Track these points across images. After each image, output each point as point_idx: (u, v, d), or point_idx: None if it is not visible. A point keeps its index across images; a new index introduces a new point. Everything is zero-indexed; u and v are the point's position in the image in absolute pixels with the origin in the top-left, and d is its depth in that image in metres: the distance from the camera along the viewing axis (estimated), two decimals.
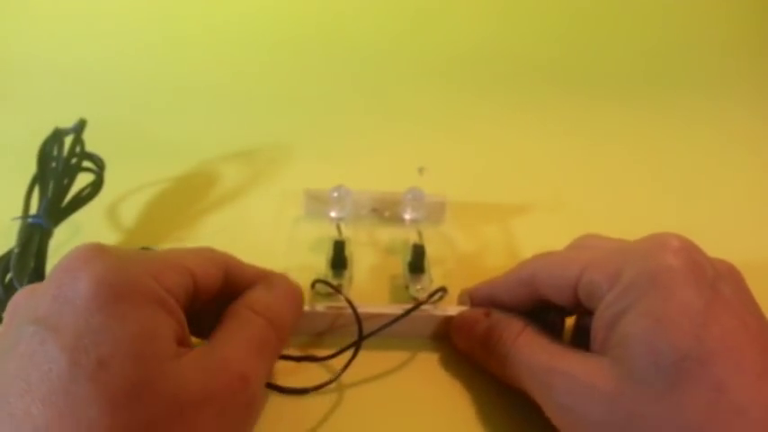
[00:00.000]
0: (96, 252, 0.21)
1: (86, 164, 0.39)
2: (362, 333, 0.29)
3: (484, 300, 0.30)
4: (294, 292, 0.28)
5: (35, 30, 0.58)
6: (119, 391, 0.18)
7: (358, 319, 0.29)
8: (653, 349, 0.21)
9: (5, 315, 0.21)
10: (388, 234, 0.39)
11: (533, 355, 0.25)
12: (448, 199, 0.39)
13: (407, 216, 0.37)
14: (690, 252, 0.22)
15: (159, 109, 0.54)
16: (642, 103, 0.60)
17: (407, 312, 0.29)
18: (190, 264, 0.23)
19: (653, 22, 0.68)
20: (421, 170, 0.36)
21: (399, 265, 0.34)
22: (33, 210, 0.36)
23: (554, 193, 0.45)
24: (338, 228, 0.35)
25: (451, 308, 0.31)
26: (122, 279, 0.20)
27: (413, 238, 0.35)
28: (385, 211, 0.39)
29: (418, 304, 0.30)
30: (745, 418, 0.19)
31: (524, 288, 0.28)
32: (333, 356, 0.28)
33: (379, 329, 0.29)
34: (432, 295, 0.31)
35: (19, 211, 0.36)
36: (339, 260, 0.32)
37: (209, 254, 0.26)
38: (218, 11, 0.62)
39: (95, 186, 0.39)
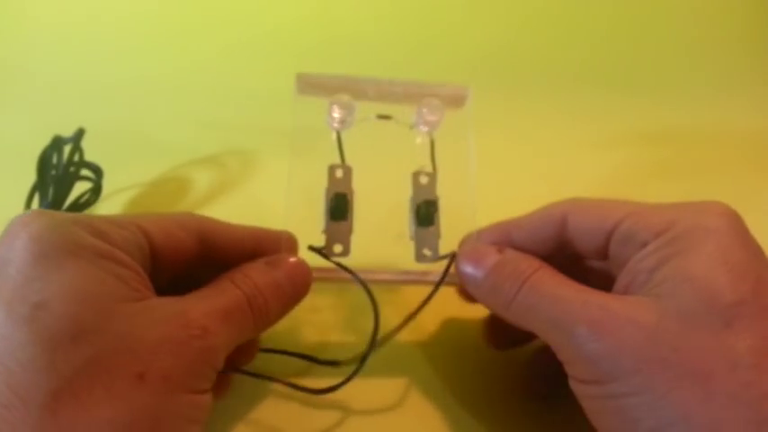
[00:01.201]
0: (33, 215, 0.21)
1: (84, 172, 0.39)
2: (376, 341, 0.26)
3: (498, 239, 0.27)
4: (295, 279, 0.26)
5: (31, 33, 0.61)
6: (59, 329, 0.18)
7: (376, 321, 0.26)
8: (712, 289, 0.20)
9: None
10: (394, 161, 0.30)
11: (556, 287, 0.23)
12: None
13: (427, 119, 0.30)
14: (739, 220, 0.23)
15: (157, 110, 0.54)
16: (643, 104, 0.58)
17: (424, 304, 0.27)
18: (142, 222, 0.23)
19: (650, 22, 0.66)
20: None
21: (405, 200, 0.30)
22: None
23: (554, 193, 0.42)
24: (338, 138, 0.29)
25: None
26: (59, 235, 0.20)
27: (424, 161, 0.30)
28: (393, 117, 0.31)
29: (435, 289, 0.27)
30: None
31: (552, 227, 0.26)
32: (339, 364, 0.27)
33: (394, 332, 0.27)
34: (446, 271, 0.27)
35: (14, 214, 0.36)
36: (338, 211, 0.28)
37: (176, 216, 0.25)
38: (220, 10, 0.64)
39: (94, 194, 0.39)
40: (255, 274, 0.24)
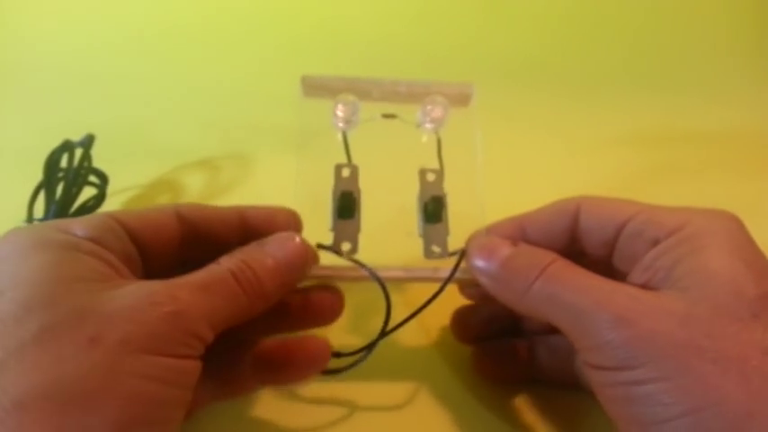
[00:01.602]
0: (9, 232, 0.23)
1: (90, 178, 0.39)
2: (386, 327, 0.26)
3: (511, 233, 0.27)
4: (285, 250, 0.25)
5: (37, 39, 0.61)
6: (9, 310, 0.19)
7: (388, 305, 0.26)
8: (736, 283, 0.21)
9: None
10: (401, 159, 0.30)
11: (577, 276, 0.23)
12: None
13: (431, 117, 0.30)
14: (744, 226, 0.24)
15: (159, 112, 0.54)
16: (644, 104, 0.58)
17: (433, 297, 0.27)
18: (114, 213, 0.24)
19: (650, 22, 0.67)
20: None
21: (413, 198, 0.30)
22: (37, 214, 0.37)
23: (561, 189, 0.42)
24: (344, 138, 0.30)
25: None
26: (28, 234, 0.22)
27: (430, 159, 0.30)
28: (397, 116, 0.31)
29: (444, 283, 0.27)
30: None
31: (566, 220, 0.26)
32: (341, 355, 0.27)
33: (404, 322, 0.27)
34: (456, 267, 0.27)
35: (20, 214, 0.37)
36: (346, 210, 0.28)
37: (151, 206, 0.26)
38: (227, 19, 0.64)
39: (97, 200, 0.39)
40: (242, 252, 0.24)
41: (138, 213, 0.24)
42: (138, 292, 0.20)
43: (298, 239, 0.25)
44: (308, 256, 0.26)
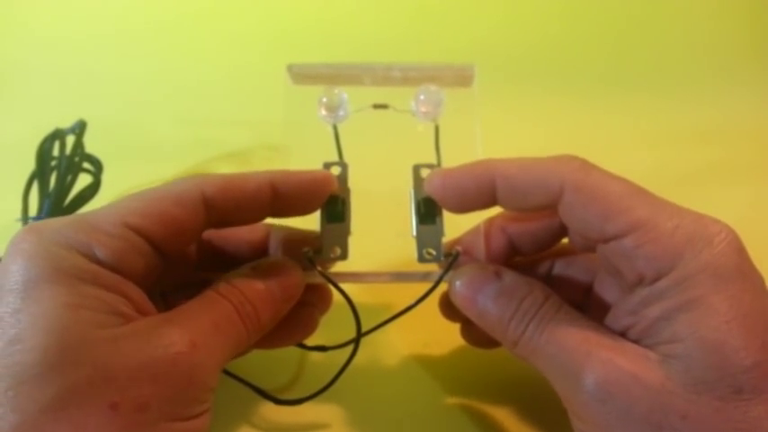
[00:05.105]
0: (26, 235, 0.21)
1: (84, 165, 0.38)
2: (361, 329, 0.26)
3: (496, 243, 0.27)
4: (282, 281, 0.25)
5: (32, 30, 0.60)
6: (29, 363, 0.18)
7: (356, 315, 0.26)
8: (724, 353, 0.20)
9: None
10: (396, 151, 0.29)
11: (562, 335, 0.23)
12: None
13: (421, 111, 0.28)
14: (741, 245, 0.21)
15: (157, 109, 0.53)
16: (643, 103, 0.55)
17: (418, 302, 0.26)
18: (132, 219, 0.22)
19: (649, 21, 0.62)
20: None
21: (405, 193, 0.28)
22: (32, 207, 0.37)
23: None
24: (335, 130, 0.28)
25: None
26: (45, 260, 0.20)
27: (425, 152, 0.28)
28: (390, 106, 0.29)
29: (431, 288, 0.26)
30: None
31: (543, 200, 0.23)
32: (327, 349, 0.27)
33: (384, 323, 0.26)
34: (447, 268, 0.26)
35: (16, 212, 0.36)
36: (334, 214, 0.27)
37: (174, 188, 0.23)
38: (216, 11, 0.62)
39: (92, 188, 0.38)
40: (241, 283, 0.24)
41: (156, 214, 0.22)
42: (157, 339, 0.20)
43: (297, 272, 0.25)
44: (301, 283, 0.26)
